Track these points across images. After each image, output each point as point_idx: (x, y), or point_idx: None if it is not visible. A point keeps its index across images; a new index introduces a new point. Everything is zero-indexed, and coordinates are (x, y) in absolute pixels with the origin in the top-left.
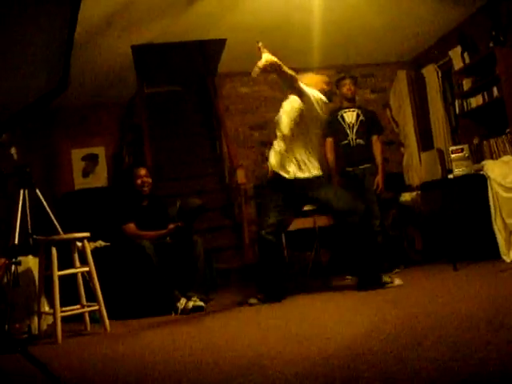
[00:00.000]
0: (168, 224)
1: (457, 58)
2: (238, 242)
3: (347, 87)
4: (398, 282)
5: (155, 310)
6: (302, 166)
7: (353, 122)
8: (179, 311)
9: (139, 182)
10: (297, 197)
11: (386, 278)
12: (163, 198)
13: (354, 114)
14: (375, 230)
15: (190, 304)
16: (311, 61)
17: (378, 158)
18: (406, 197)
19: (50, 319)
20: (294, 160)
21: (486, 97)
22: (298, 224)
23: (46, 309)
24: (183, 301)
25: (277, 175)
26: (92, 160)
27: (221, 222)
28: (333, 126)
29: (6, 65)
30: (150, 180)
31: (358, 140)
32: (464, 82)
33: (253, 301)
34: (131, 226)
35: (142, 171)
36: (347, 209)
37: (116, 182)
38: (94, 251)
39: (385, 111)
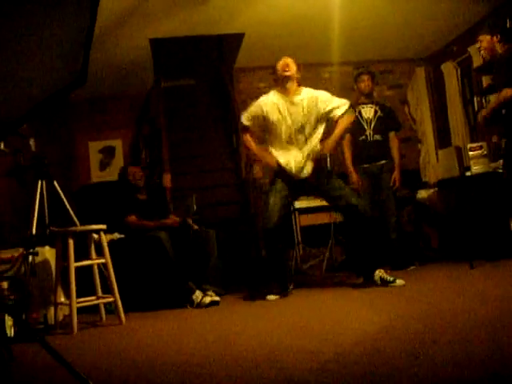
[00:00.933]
0: (168, 214)
1: (476, 54)
2: (253, 235)
3: (365, 83)
4: (399, 282)
5: (170, 302)
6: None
7: (370, 117)
8: (195, 304)
9: (131, 177)
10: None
11: (388, 277)
12: (162, 187)
13: (372, 109)
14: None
15: (207, 299)
16: (329, 56)
17: (395, 155)
18: (423, 194)
19: (66, 310)
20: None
21: None
22: (313, 219)
23: (62, 299)
24: (199, 294)
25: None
26: (109, 153)
27: (236, 215)
28: None
29: (25, 56)
30: (141, 173)
31: (375, 136)
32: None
33: (271, 297)
34: (132, 218)
35: (134, 168)
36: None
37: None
38: (110, 243)
39: (402, 107)
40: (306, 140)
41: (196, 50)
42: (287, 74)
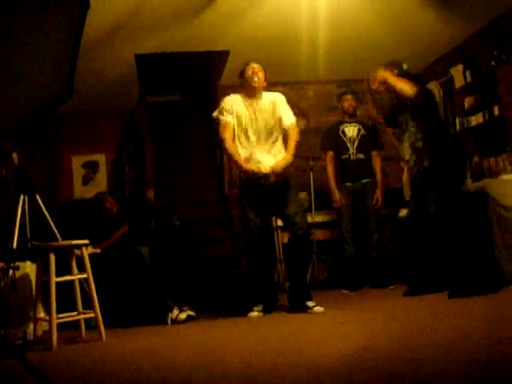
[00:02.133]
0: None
1: (458, 75)
2: (237, 252)
3: (349, 102)
4: (318, 309)
5: (150, 319)
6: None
7: (354, 136)
8: (170, 321)
9: (107, 205)
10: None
11: (309, 303)
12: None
13: (356, 128)
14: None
15: (183, 316)
16: (314, 74)
17: (378, 174)
18: (405, 212)
19: (46, 325)
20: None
21: (486, 115)
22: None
23: (42, 315)
24: (175, 311)
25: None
26: (92, 167)
27: (220, 232)
28: (333, 140)
29: (11, 70)
30: (116, 203)
31: (358, 154)
32: (465, 100)
33: (254, 314)
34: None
35: (108, 197)
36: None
37: (116, 190)
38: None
39: (386, 126)
40: (274, 143)
41: (182, 67)
42: (255, 84)
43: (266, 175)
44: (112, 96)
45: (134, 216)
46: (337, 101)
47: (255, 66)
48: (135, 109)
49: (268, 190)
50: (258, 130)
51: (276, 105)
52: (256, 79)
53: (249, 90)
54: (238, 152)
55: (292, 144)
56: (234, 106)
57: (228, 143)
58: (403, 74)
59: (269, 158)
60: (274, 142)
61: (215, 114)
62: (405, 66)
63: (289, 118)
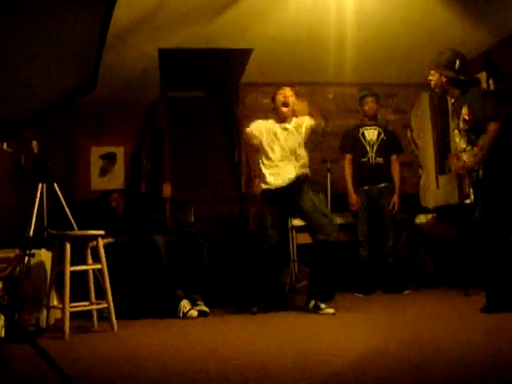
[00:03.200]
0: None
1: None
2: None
3: (369, 105)
4: (329, 310)
5: (162, 311)
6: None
7: (373, 139)
8: (180, 313)
9: (114, 204)
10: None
11: (321, 304)
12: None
13: (376, 131)
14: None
15: (195, 313)
16: (335, 76)
17: (396, 178)
18: (421, 219)
19: (59, 314)
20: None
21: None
22: (310, 238)
23: (55, 303)
24: (186, 304)
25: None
26: (110, 159)
27: (235, 230)
28: (353, 143)
29: (37, 59)
30: (122, 201)
31: (377, 158)
32: None
33: (255, 309)
34: None
35: (114, 195)
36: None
37: (132, 183)
38: (106, 247)
39: (405, 132)
40: (296, 159)
41: (204, 63)
42: (285, 111)
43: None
44: (133, 89)
45: (148, 210)
46: (358, 103)
47: (287, 91)
48: (156, 103)
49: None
50: (283, 149)
51: (302, 125)
52: (287, 105)
53: (280, 117)
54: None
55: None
56: (262, 130)
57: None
58: (456, 76)
59: (292, 170)
60: (297, 159)
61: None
62: (457, 64)
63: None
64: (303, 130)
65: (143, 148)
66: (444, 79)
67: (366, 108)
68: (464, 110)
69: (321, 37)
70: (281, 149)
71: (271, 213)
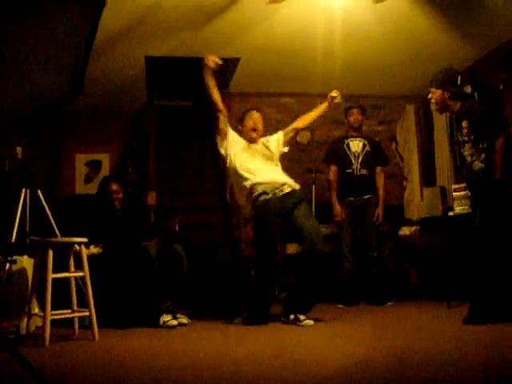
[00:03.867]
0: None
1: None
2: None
3: (355, 116)
4: (308, 322)
5: (143, 321)
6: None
7: (358, 151)
8: (161, 323)
9: (109, 197)
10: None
11: (301, 316)
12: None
13: (361, 143)
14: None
15: (174, 322)
16: (321, 87)
17: (380, 190)
18: (405, 231)
19: (39, 321)
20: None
21: None
22: (295, 249)
23: (36, 310)
24: (167, 317)
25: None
26: (95, 166)
27: (219, 239)
28: (338, 154)
29: (23, 62)
30: (120, 196)
31: (361, 170)
32: None
33: (237, 320)
34: None
35: (114, 186)
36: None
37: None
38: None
39: (390, 144)
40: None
41: (191, 71)
42: (254, 136)
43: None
44: (120, 96)
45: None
46: (344, 115)
47: (256, 116)
48: (142, 111)
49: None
50: (258, 160)
51: (268, 143)
52: (256, 130)
53: (248, 139)
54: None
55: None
56: (237, 138)
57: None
58: (457, 91)
59: (279, 175)
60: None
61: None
62: (459, 80)
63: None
64: (272, 144)
65: (129, 155)
66: (447, 95)
67: (352, 119)
68: (464, 124)
69: (308, 48)
70: (258, 157)
71: (274, 225)
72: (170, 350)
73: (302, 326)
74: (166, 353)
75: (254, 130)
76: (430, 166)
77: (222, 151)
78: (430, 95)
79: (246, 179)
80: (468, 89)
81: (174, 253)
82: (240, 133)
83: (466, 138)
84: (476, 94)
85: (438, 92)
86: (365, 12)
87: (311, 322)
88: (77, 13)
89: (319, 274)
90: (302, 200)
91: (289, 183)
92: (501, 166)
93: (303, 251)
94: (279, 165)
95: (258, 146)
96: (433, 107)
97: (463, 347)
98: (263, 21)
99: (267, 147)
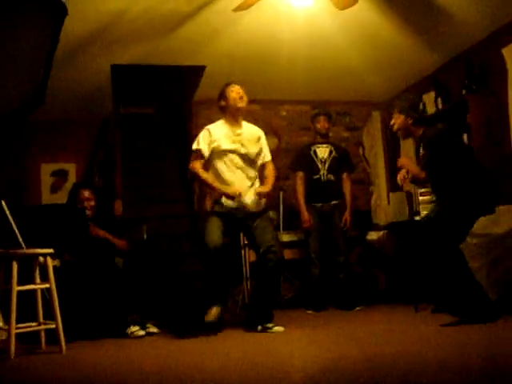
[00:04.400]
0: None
1: (430, 103)
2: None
3: (321, 123)
4: (278, 328)
5: (111, 332)
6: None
7: (325, 157)
8: (129, 334)
9: (80, 205)
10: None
11: (269, 324)
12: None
13: (327, 149)
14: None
15: (142, 332)
16: (288, 94)
17: (348, 196)
18: (373, 236)
19: (5, 335)
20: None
21: None
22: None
23: (1, 324)
24: (134, 327)
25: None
26: (61, 176)
27: (187, 248)
28: (305, 160)
29: None
30: (92, 203)
31: (329, 175)
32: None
33: (212, 315)
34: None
35: (86, 193)
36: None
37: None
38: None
39: (357, 149)
40: (253, 172)
41: (157, 79)
42: (242, 105)
43: (246, 207)
44: (86, 105)
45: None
46: (311, 121)
47: (239, 88)
48: (108, 119)
49: (244, 222)
50: (243, 156)
51: (260, 139)
52: (241, 104)
53: (231, 114)
54: (213, 179)
55: (272, 178)
56: (214, 135)
57: (197, 170)
58: (420, 118)
59: (249, 189)
60: (254, 175)
61: (194, 146)
62: (421, 107)
63: (269, 155)
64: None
65: (95, 164)
66: (410, 121)
67: (318, 126)
68: (421, 151)
69: (273, 55)
70: (240, 156)
71: (215, 223)
72: (138, 360)
73: (273, 332)
74: (133, 363)
75: (241, 97)
76: (397, 170)
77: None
78: (392, 121)
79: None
80: (424, 116)
81: (141, 262)
82: (223, 109)
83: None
84: (440, 100)
85: (401, 117)
86: (330, 19)
87: (281, 329)
88: (38, 23)
89: (273, 279)
90: (263, 211)
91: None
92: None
93: (257, 257)
94: (257, 168)
95: (247, 134)
96: (394, 129)
97: (431, 350)
98: (228, 28)
99: (258, 140)
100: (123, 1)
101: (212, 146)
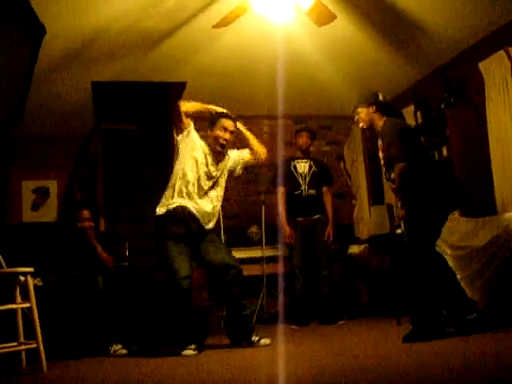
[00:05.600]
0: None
1: (410, 116)
2: None
3: (303, 139)
4: (264, 341)
5: (92, 350)
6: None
7: (305, 172)
8: (111, 352)
9: (80, 225)
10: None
11: (254, 337)
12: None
13: (307, 164)
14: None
15: (124, 351)
16: (270, 109)
17: (329, 209)
18: (355, 249)
19: None
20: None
21: (436, 156)
22: (245, 271)
23: None
24: (116, 346)
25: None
26: (43, 193)
27: None
28: (286, 176)
29: None
30: (92, 223)
31: (309, 190)
32: None
33: (188, 352)
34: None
35: (85, 213)
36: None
37: (64, 218)
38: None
39: (339, 163)
40: (215, 197)
41: (139, 96)
42: (224, 144)
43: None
44: (67, 122)
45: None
46: (294, 136)
47: (230, 124)
48: (89, 136)
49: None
50: (207, 176)
51: (228, 159)
52: (223, 143)
53: (215, 145)
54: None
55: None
56: (195, 139)
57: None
58: (380, 106)
59: (209, 206)
60: (216, 196)
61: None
62: (380, 96)
63: (246, 152)
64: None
65: (77, 181)
66: (372, 109)
67: (300, 142)
68: (379, 142)
69: (253, 71)
70: (204, 174)
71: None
72: (121, 379)
73: (260, 345)
74: (116, 382)
75: (222, 146)
76: (378, 184)
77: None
78: (356, 117)
79: (174, 197)
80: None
81: (122, 281)
82: (210, 138)
83: (381, 155)
84: (419, 113)
85: (365, 108)
86: (308, 35)
87: (268, 341)
88: (16, 43)
89: (243, 295)
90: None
91: (213, 222)
92: (398, 191)
93: (223, 280)
94: (222, 192)
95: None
96: (359, 125)
97: (414, 362)
98: (208, 45)
99: (226, 162)
100: (103, 19)
101: (190, 143)
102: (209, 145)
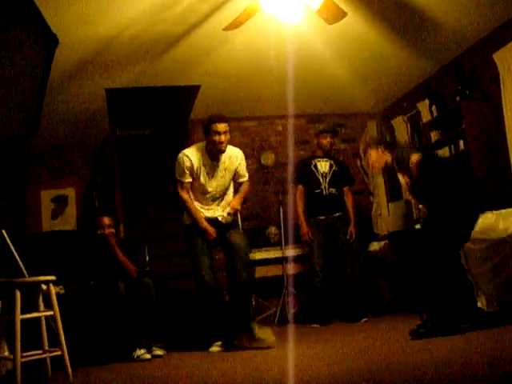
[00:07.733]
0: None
1: (425, 110)
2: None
3: (327, 140)
4: (263, 331)
5: (116, 356)
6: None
7: (326, 171)
8: (135, 357)
9: (100, 232)
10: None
11: (259, 334)
12: (131, 242)
13: (328, 163)
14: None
15: (148, 356)
16: (283, 109)
17: (350, 209)
18: (375, 246)
19: (10, 365)
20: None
21: (452, 149)
22: (265, 272)
23: (6, 354)
24: (140, 351)
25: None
26: (61, 202)
27: (184, 268)
28: (306, 174)
29: None
30: (113, 230)
31: (330, 189)
32: (432, 135)
33: (215, 348)
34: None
35: (106, 220)
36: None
37: (84, 225)
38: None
39: (355, 161)
40: (223, 198)
41: (152, 101)
42: (223, 148)
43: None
44: (82, 130)
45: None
46: (315, 136)
47: (225, 127)
48: (105, 143)
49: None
50: (214, 189)
51: (235, 162)
52: (222, 147)
53: (213, 152)
54: (198, 210)
55: (241, 197)
56: (192, 162)
57: (189, 203)
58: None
59: (219, 210)
60: (226, 196)
61: (176, 176)
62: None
63: (244, 175)
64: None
65: (94, 188)
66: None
67: (324, 142)
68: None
69: (266, 71)
70: (211, 188)
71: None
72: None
73: (260, 337)
74: None
75: (221, 143)
76: (396, 180)
77: None
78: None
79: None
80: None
81: (142, 285)
82: (206, 144)
83: (403, 181)
84: (434, 107)
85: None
86: (320, 33)
87: (268, 331)
88: (30, 54)
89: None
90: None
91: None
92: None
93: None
94: (231, 189)
95: (222, 162)
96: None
97: (438, 359)
98: (219, 47)
99: (233, 164)
100: (114, 27)
101: (192, 173)
102: (208, 150)
